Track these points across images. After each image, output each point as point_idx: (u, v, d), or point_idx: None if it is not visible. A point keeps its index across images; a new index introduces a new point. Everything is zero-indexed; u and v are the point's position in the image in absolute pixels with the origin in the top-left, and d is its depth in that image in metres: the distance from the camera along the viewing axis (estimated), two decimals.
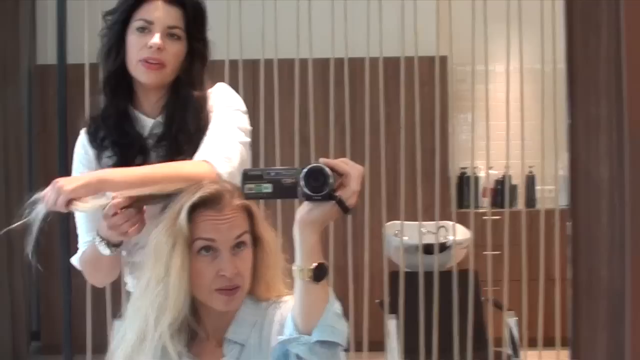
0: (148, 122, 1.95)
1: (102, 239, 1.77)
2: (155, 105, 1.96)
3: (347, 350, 1.55)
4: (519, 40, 3.78)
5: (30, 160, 5.88)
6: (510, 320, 3.94)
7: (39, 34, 6.02)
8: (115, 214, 1.67)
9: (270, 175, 1.44)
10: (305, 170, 1.41)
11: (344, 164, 1.44)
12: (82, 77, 3.85)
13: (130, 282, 2.02)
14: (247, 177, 1.45)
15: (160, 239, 1.58)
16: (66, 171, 3.73)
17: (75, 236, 2.02)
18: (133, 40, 1.91)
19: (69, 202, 1.68)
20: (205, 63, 1.99)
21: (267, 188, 1.44)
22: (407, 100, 3.82)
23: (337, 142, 3.80)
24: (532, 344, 3.85)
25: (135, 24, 1.91)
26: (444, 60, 4.43)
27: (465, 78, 5.65)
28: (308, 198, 1.42)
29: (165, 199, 1.63)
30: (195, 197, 1.57)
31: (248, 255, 1.60)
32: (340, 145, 3.93)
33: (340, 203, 1.42)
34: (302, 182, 1.41)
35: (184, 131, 1.91)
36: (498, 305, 4.04)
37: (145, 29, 1.90)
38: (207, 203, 1.57)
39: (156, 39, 1.88)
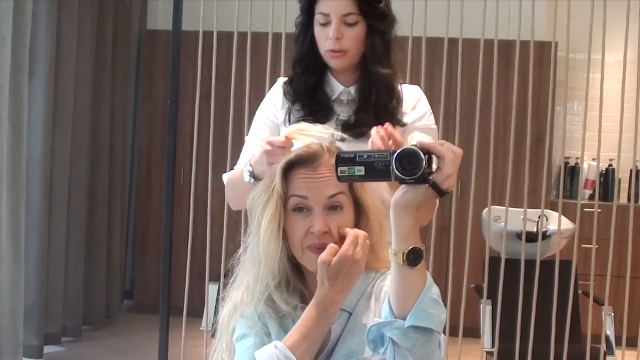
0: (339, 88, 2.20)
1: (251, 169, 1.95)
2: (350, 77, 2.20)
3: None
4: (638, 30, 3.66)
5: (134, 124, 6.02)
6: (607, 317, 3.86)
7: (150, 0, 6.13)
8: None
9: (362, 158, 1.42)
10: (398, 152, 1.40)
11: (440, 145, 1.42)
12: (193, 43, 3.90)
13: None
14: (340, 159, 1.44)
15: (256, 195, 1.63)
16: (175, 134, 3.83)
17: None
18: (318, 32, 2.15)
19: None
20: (386, 36, 2.18)
21: (360, 171, 1.42)
22: (516, 85, 3.74)
23: (445, 122, 3.75)
24: (631, 343, 3.75)
25: (317, 17, 2.14)
26: (550, 46, 4.32)
27: (573, 66, 5.53)
28: (401, 181, 1.41)
29: None
30: (292, 155, 1.61)
31: (344, 218, 1.60)
32: (446, 127, 3.88)
33: (435, 186, 1.40)
34: (394, 165, 1.39)
35: (379, 105, 2.14)
36: (597, 300, 3.95)
37: (325, 22, 2.12)
38: (304, 161, 1.60)
39: (332, 31, 2.10)
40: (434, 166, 1.41)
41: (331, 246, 1.53)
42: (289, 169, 1.60)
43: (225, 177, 2.24)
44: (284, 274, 1.62)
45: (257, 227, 1.60)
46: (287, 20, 3.20)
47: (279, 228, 1.59)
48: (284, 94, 2.23)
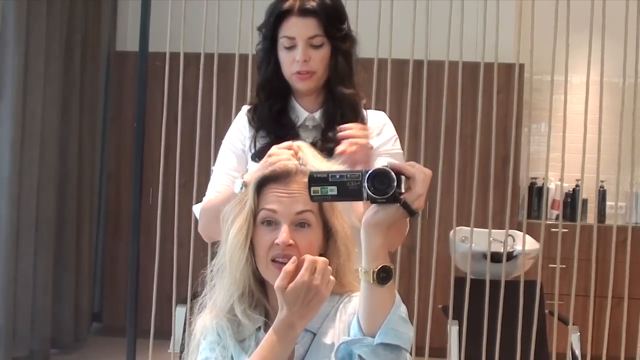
0: (303, 114, 2.21)
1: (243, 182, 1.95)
2: (314, 102, 2.21)
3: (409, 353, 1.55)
4: (600, 52, 3.71)
5: (103, 146, 5.99)
6: (573, 336, 3.88)
7: (120, 21, 6.13)
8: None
9: (335, 178, 1.46)
10: (370, 172, 1.43)
11: (410, 166, 1.46)
12: (161, 64, 3.90)
13: None
14: (313, 179, 1.47)
15: (228, 207, 1.67)
16: (142, 156, 3.82)
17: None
18: (283, 56, 2.16)
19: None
20: (350, 57, 2.20)
21: (333, 190, 1.46)
22: (482, 107, 3.78)
23: (410, 143, 3.77)
24: None
25: (281, 41, 2.15)
26: (519, 68, 4.38)
27: (540, 87, 5.60)
28: (372, 200, 1.44)
29: None
30: (267, 171, 1.65)
31: (310, 236, 1.62)
32: (414, 148, 3.91)
33: (405, 206, 1.44)
34: (366, 184, 1.43)
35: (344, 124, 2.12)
36: (563, 320, 3.98)
37: (291, 45, 2.13)
38: (277, 177, 1.64)
39: (300, 54, 2.12)
40: (403, 187, 1.45)
41: (286, 270, 1.53)
42: (263, 184, 1.64)
43: (197, 208, 2.21)
44: (247, 286, 1.64)
45: (226, 237, 1.64)
46: (253, 41, 3.22)
47: (247, 239, 1.61)
48: (249, 121, 2.24)
